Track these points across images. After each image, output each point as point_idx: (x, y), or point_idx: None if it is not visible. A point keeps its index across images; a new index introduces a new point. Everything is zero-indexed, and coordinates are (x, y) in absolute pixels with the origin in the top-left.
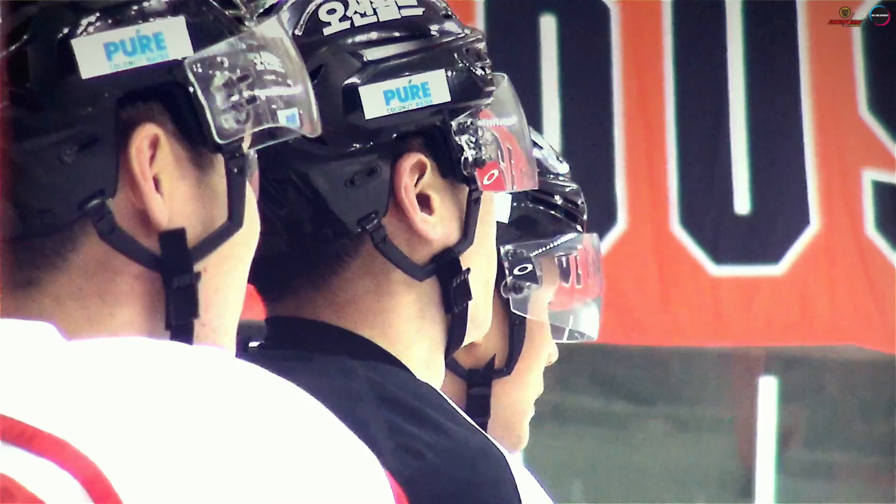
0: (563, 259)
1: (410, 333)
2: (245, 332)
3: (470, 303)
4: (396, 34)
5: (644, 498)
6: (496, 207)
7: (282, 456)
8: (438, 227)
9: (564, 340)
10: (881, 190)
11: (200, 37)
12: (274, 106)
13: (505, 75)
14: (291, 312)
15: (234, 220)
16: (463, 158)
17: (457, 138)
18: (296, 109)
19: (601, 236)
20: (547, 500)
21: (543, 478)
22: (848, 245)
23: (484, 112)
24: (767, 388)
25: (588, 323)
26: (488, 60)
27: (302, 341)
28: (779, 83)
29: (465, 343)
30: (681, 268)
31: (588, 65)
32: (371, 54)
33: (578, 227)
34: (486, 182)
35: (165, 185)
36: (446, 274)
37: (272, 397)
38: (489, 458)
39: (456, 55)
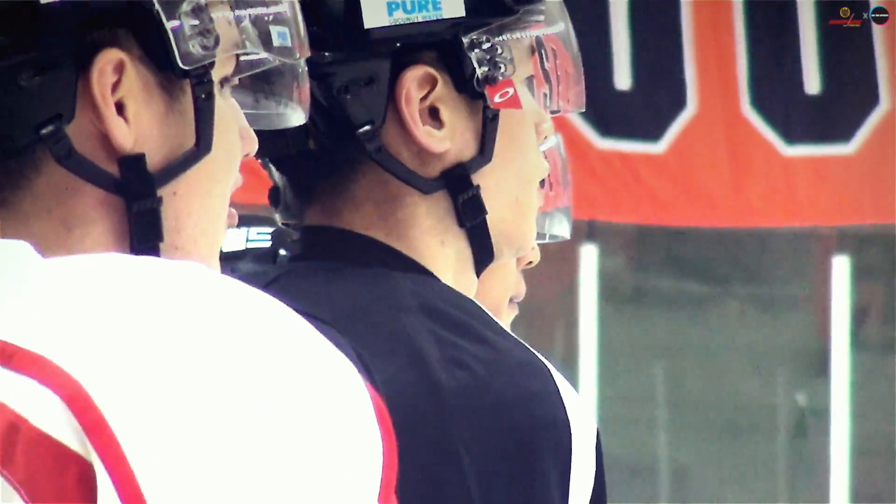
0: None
1: (434, 246)
2: (273, 242)
3: (494, 218)
4: None
5: (723, 377)
6: (531, 124)
7: (259, 370)
8: (447, 141)
9: (541, 241)
10: None
11: None
12: (254, 30)
13: None
14: (321, 221)
15: (202, 145)
16: (474, 75)
17: (469, 54)
18: (286, 29)
19: (671, 120)
20: (586, 408)
21: (623, 360)
22: None
23: (540, 24)
24: (841, 267)
25: (560, 226)
26: None
27: (335, 252)
28: None
29: (502, 260)
30: (752, 148)
31: None
32: None
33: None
34: (496, 100)
35: (131, 110)
36: (455, 189)
37: (251, 312)
38: (535, 370)
39: None
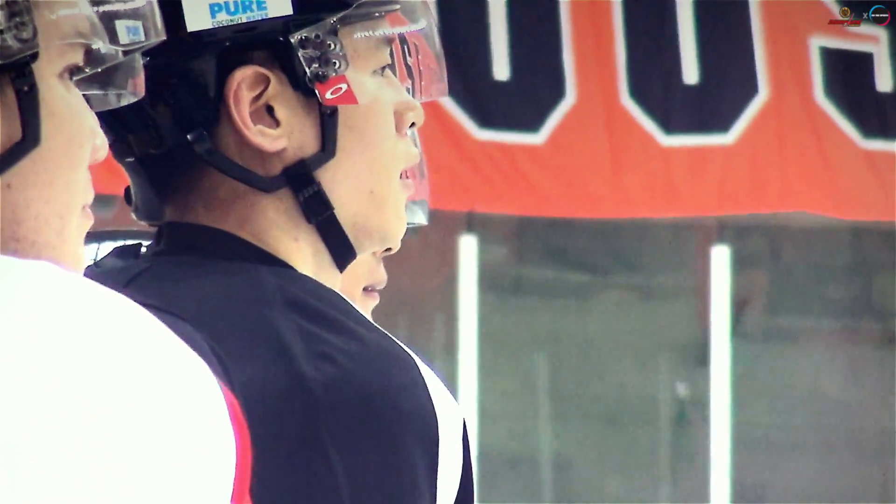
0: None
1: (287, 242)
2: (137, 237)
3: (347, 212)
4: None
5: (603, 368)
6: (383, 115)
7: (105, 371)
8: (283, 139)
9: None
10: (829, 56)
11: None
12: (97, 19)
13: None
14: (179, 217)
15: (28, 138)
16: (304, 73)
17: (299, 52)
18: (136, 22)
19: (550, 111)
20: (451, 398)
21: (504, 351)
22: (797, 112)
23: (395, 16)
24: (720, 257)
25: (416, 216)
26: None
27: (196, 247)
28: None
29: (369, 251)
30: (631, 139)
31: None
32: None
33: None
34: (328, 96)
35: None
36: (296, 186)
37: (97, 312)
38: (400, 362)
39: None
